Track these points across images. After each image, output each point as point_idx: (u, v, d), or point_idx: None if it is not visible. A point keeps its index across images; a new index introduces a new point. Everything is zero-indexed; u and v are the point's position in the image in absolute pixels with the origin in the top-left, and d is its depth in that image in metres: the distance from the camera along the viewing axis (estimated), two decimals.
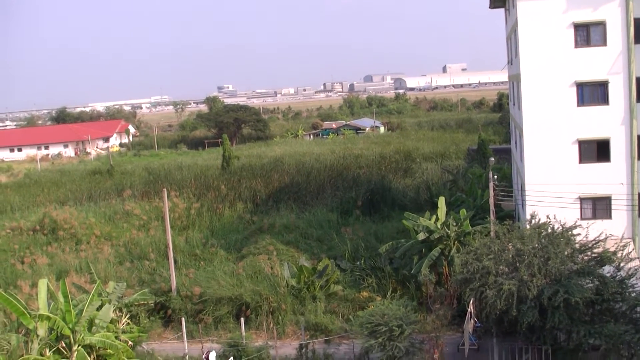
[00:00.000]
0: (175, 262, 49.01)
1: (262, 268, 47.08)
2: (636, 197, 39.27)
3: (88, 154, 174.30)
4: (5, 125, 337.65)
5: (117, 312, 37.59)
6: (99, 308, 34.69)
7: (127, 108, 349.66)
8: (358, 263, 47.70)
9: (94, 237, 61.39)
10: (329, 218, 61.67)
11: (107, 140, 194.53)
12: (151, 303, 43.32)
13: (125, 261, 54.26)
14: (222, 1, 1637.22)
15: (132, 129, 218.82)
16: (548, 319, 30.43)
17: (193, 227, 64.66)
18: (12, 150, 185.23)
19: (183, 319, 41.28)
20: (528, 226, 35.18)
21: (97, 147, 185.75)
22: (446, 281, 41.55)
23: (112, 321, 35.65)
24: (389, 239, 48.88)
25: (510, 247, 33.22)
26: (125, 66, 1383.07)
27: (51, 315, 32.17)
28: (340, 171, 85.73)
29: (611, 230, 35.80)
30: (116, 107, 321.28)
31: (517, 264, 32.15)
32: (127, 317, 39.57)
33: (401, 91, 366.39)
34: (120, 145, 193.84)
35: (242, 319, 40.82)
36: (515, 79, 46.75)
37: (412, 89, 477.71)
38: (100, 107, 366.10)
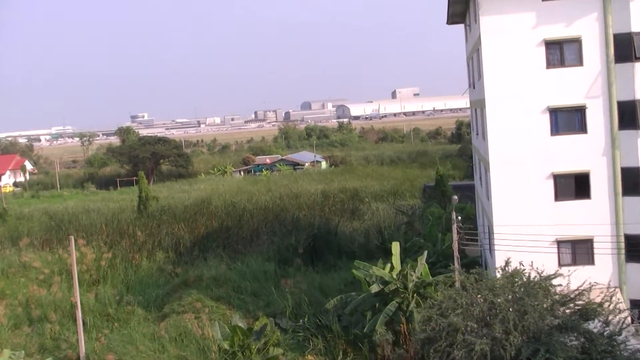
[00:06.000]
0: (84, 324, 47.98)
1: (189, 329, 46.36)
2: (622, 238, 39.68)
3: None
4: None
5: None
6: None
7: (22, 140, 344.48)
8: (301, 321, 47.17)
9: None
10: (266, 269, 61.07)
11: None
12: None
13: (23, 324, 52.91)
14: (135, 19, 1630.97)
15: (28, 166, 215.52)
16: None
17: (104, 281, 63.49)
18: None
19: None
20: (499, 275, 35.18)
21: None
22: (405, 341, 41.24)
23: None
24: (337, 293, 48.57)
25: (480, 299, 33.14)
26: (20, 91, 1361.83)
27: None
28: (277, 213, 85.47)
29: (595, 277, 35.91)
30: (9, 139, 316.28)
31: (489, 320, 32.07)
32: None
33: (345, 120, 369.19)
34: (15, 184, 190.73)
35: None
36: (478, 105, 47.18)
37: (357, 118, 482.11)
38: None
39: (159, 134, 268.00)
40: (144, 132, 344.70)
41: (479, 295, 33.44)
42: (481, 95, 43.22)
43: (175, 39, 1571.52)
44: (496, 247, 40.05)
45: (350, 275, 50.38)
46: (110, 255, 68.06)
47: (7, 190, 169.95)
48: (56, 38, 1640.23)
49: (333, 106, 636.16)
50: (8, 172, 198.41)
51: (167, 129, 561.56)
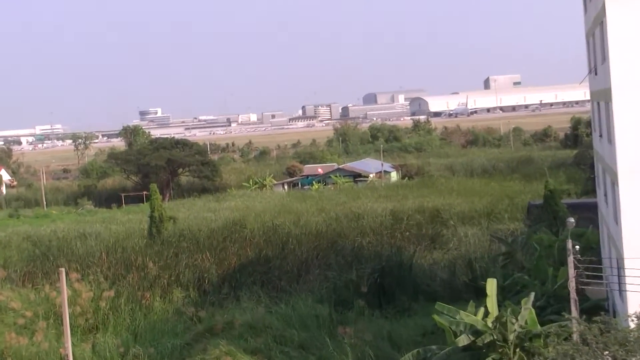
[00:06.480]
0: None
1: None
2: None
3: None
4: None
5: None
6: None
7: None
8: None
9: None
10: (318, 312, 61.18)
11: None
12: None
13: None
14: None
15: (5, 176, 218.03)
16: None
17: (105, 327, 64.00)
18: None
19: None
20: (633, 324, 34.77)
21: None
22: None
23: None
24: (413, 346, 48.49)
25: (607, 358, 32.81)
26: None
27: None
28: (332, 240, 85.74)
29: None
30: None
31: None
32: None
33: (421, 117, 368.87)
34: None
35: None
36: (601, 97, 46.72)
37: (437, 114, 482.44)
38: None
39: (176, 135, 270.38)
40: (156, 132, 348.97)
41: (606, 352, 33.11)
42: (606, 84, 42.71)
43: (196, 14, 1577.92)
44: (628, 287, 39.56)
45: (429, 322, 50.37)
46: (112, 293, 68.41)
47: None
48: (42, 13, 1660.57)
49: (406, 99, 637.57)
50: None
51: (187, 128, 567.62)
